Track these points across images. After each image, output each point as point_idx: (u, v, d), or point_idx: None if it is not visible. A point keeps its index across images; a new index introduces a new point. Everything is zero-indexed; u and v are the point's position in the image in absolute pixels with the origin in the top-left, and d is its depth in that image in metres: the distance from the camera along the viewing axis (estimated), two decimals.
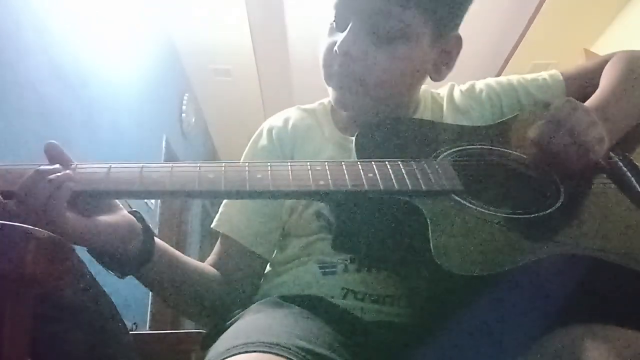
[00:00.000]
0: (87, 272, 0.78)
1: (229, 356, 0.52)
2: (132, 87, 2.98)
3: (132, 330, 1.91)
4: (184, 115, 4.09)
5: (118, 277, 0.67)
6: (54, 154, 0.60)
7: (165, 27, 3.67)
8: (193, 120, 4.31)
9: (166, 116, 3.76)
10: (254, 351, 0.52)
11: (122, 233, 0.63)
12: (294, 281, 0.75)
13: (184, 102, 4.12)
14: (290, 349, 0.53)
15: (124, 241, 0.64)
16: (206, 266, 0.80)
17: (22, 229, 0.46)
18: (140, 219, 0.67)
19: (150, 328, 2.77)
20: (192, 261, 0.76)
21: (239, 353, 0.52)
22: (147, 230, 0.67)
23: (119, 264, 0.65)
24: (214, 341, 0.61)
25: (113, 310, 0.85)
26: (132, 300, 2.70)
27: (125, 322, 0.91)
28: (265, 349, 0.52)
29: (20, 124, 1.80)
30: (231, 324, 0.66)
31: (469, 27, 0.81)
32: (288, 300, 0.69)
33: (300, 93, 4.31)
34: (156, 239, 0.69)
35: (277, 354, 0.51)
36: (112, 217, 0.63)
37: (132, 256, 0.65)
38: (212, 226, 0.83)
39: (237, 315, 0.68)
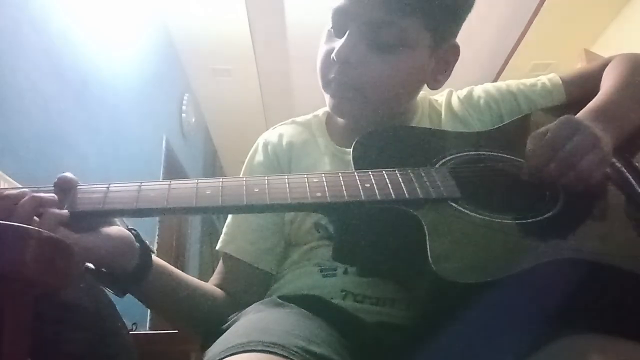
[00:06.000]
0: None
1: (229, 355, 0.52)
2: (132, 87, 2.98)
3: (132, 330, 1.91)
4: (184, 115, 4.09)
5: (117, 295, 0.67)
6: (59, 183, 0.60)
7: (165, 27, 3.67)
8: (193, 120, 4.31)
9: (166, 116, 3.76)
10: (254, 350, 0.52)
11: (120, 246, 0.63)
12: (294, 283, 0.75)
13: (184, 102, 4.12)
14: (290, 348, 0.53)
15: (121, 254, 0.63)
16: (208, 285, 0.79)
17: (22, 229, 0.46)
18: (138, 236, 0.67)
19: (150, 328, 2.77)
20: (193, 280, 0.76)
21: (239, 352, 0.52)
22: (144, 247, 0.67)
23: (116, 279, 0.65)
24: (213, 342, 0.61)
25: (113, 310, 0.85)
26: (132, 300, 2.69)
27: (125, 322, 0.91)
28: (264, 349, 0.52)
29: (20, 124, 1.80)
30: (229, 326, 0.66)
31: (468, 27, 0.81)
32: (288, 300, 0.69)
33: (300, 93, 4.31)
34: (154, 257, 0.68)
35: (277, 354, 0.51)
36: (109, 230, 0.63)
37: (130, 272, 0.65)
38: (217, 248, 0.83)
39: (236, 317, 0.68)
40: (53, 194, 0.57)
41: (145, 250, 0.67)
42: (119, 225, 0.65)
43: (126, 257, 0.64)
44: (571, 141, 0.65)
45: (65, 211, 0.57)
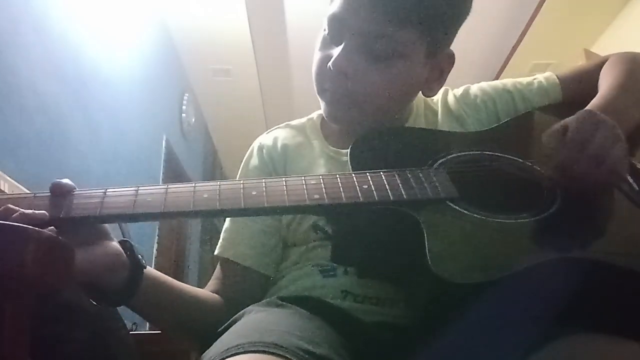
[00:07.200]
0: None
1: (228, 356, 0.52)
2: (132, 87, 2.98)
3: (132, 330, 1.91)
4: (184, 115, 4.09)
5: (108, 307, 0.66)
6: (55, 189, 0.60)
7: (165, 27, 3.67)
8: (193, 120, 4.31)
9: (166, 116, 3.75)
10: (254, 351, 0.52)
11: (108, 265, 0.62)
12: (294, 284, 0.75)
13: (184, 102, 4.12)
14: (289, 349, 0.53)
15: (109, 273, 0.62)
16: (205, 293, 0.78)
17: (22, 229, 0.46)
18: (130, 248, 0.65)
19: (150, 328, 2.76)
20: (189, 289, 0.75)
21: (239, 353, 0.52)
22: (135, 262, 0.65)
23: (105, 296, 0.64)
24: (211, 344, 0.60)
25: (113, 310, 0.85)
26: None
27: (125, 322, 0.91)
28: (264, 349, 0.52)
29: (20, 124, 1.80)
30: (229, 326, 0.66)
31: (468, 28, 0.81)
32: (288, 300, 0.69)
33: (300, 93, 4.31)
34: (147, 269, 0.67)
35: (277, 354, 0.51)
36: (98, 247, 0.61)
37: (118, 289, 0.63)
38: (215, 254, 0.83)
39: (234, 317, 0.68)
40: (44, 211, 0.56)
41: (136, 267, 0.65)
42: (111, 239, 0.64)
43: (114, 276, 0.63)
44: (596, 136, 0.64)
45: (51, 228, 0.55)
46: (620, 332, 0.51)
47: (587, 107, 0.75)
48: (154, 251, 3.20)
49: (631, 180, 0.69)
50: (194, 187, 0.61)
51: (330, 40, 0.77)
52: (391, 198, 0.61)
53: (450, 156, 0.73)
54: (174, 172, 3.74)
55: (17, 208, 0.54)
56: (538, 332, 0.52)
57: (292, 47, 3.95)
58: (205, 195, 0.60)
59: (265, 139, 0.89)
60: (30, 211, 0.55)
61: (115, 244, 0.64)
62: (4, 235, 0.44)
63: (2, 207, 0.55)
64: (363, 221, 0.64)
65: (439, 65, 0.80)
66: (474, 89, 0.89)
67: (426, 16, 0.72)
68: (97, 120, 2.46)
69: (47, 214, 0.56)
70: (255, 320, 0.63)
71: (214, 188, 0.61)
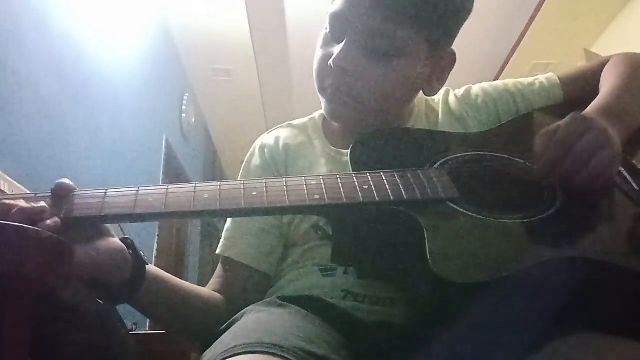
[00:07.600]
0: None
1: (229, 357, 0.52)
2: (132, 87, 2.98)
3: (132, 330, 1.91)
4: (184, 115, 4.09)
5: (110, 304, 0.66)
6: (56, 190, 0.59)
7: (165, 27, 3.67)
8: (193, 120, 4.31)
9: (166, 116, 3.75)
10: (254, 352, 0.52)
11: (110, 261, 0.62)
12: (294, 283, 0.75)
13: (184, 102, 4.12)
14: (289, 349, 0.53)
15: (112, 269, 0.62)
16: (207, 291, 0.78)
17: (22, 229, 0.46)
18: (132, 245, 0.66)
19: (150, 328, 2.76)
20: (190, 287, 0.75)
21: (239, 354, 0.52)
22: (137, 259, 0.65)
23: (107, 293, 0.64)
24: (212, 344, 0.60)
25: (113, 310, 0.85)
26: None
27: (125, 322, 0.91)
28: (264, 350, 0.52)
29: (20, 124, 1.80)
30: (229, 326, 0.66)
31: (469, 27, 0.81)
32: (288, 300, 0.69)
33: (300, 93, 4.31)
34: (149, 266, 0.67)
35: (277, 355, 0.51)
36: (101, 244, 0.61)
37: (121, 285, 0.64)
38: (217, 252, 0.83)
39: (234, 317, 0.68)
40: (43, 204, 0.56)
41: (139, 263, 0.65)
42: (113, 236, 0.64)
43: (117, 272, 0.63)
44: (583, 138, 0.64)
45: (55, 219, 0.55)
46: (620, 332, 0.51)
47: (589, 108, 0.75)
48: (154, 251, 3.20)
49: (631, 180, 0.69)
50: (195, 187, 0.61)
51: (332, 38, 0.77)
52: (391, 198, 0.62)
53: (451, 157, 0.73)
54: (174, 172, 3.74)
55: (15, 203, 0.54)
56: (538, 332, 0.52)
57: (292, 47, 3.95)
58: (206, 196, 0.60)
59: (267, 138, 0.89)
60: (30, 205, 0.55)
61: (117, 240, 0.64)
62: (4, 235, 0.44)
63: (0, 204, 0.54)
64: (363, 221, 0.64)
65: (440, 65, 0.80)
66: (475, 89, 0.89)
67: (427, 15, 0.73)
68: (98, 120, 2.46)
69: (47, 206, 0.56)
70: (255, 321, 0.63)
71: (215, 188, 0.61)
